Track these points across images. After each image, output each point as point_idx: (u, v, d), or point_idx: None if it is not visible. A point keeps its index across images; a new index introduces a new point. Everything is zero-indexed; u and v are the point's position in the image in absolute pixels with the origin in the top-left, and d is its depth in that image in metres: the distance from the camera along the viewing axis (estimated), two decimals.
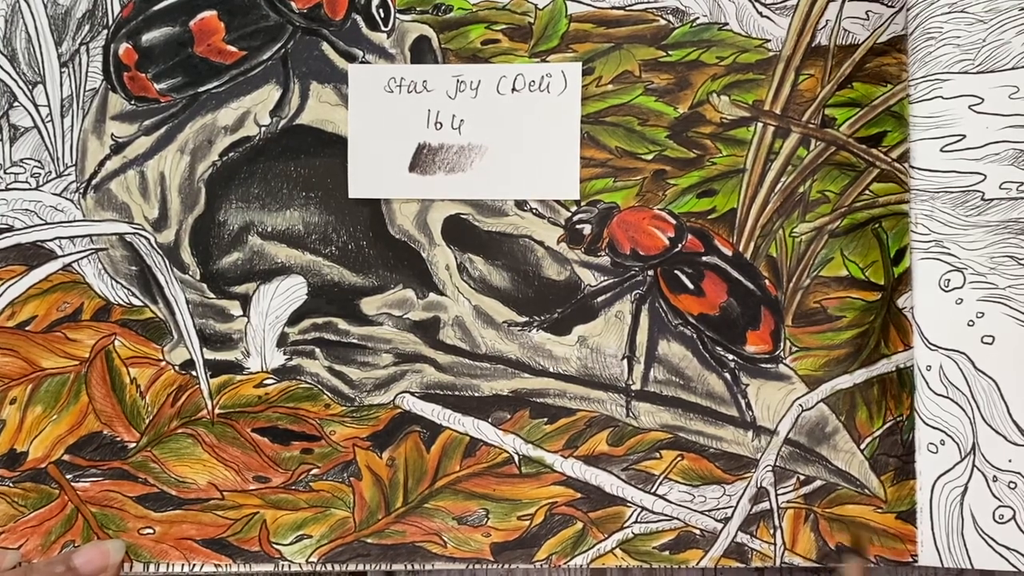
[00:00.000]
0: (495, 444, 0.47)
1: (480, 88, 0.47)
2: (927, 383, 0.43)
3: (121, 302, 0.48)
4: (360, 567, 0.47)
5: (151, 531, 0.47)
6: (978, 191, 0.43)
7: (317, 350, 0.47)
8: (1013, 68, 0.42)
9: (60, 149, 0.48)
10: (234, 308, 0.47)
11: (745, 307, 0.47)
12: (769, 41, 0.47)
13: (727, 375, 0.47)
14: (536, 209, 0.47)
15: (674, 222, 0.47)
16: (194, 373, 0.47)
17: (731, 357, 0.47)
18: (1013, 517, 0.42)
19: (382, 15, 0.47)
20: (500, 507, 0.47)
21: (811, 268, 0.47)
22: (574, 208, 0.47)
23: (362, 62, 0.48)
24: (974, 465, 0.43)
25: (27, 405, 0.47)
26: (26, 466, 0.47)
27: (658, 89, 0.47)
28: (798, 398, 0.46)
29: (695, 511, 0.46)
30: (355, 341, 0.47)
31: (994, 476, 0.43)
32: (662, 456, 0.47)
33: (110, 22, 0.48)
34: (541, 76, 0.47)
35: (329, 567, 0.47)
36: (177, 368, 0.47)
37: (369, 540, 0.47)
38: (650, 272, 0.47)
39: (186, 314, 0.47)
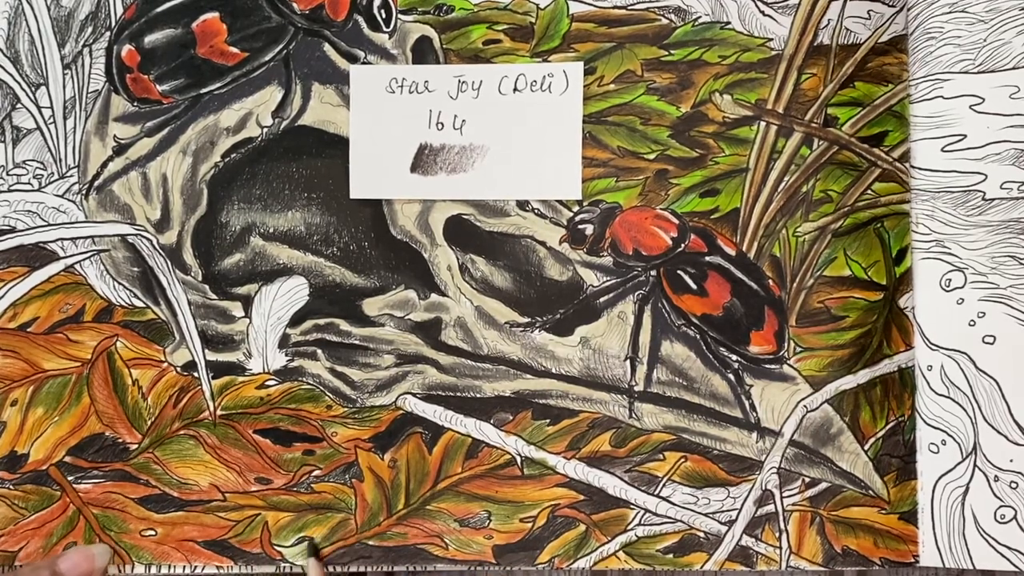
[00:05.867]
0: (497, 446, 0.50)
1: (482, 88, 0.51)
2: (928, 383, 0.47)
3: (123, 303, 0.51)
4: (362, 569, 0.51)
5: (153, 533, 0.50)
6: (979, 191, 0.46)
7: (319, 351, 0.51)
8: (1014, 68, 0.46)
9: (63, 151, 0.52)
10: (236, 309, 0.51)
11: (749, 307, 0.50)
12: (771, 40, 0.50)
13: (731, 376, 0.50)
14: (538, 209, 0.51)
15: (677, 222, 0.51)
16: (196, 374, 0.51)
17: (735, 358, 0.50)
18: (1014, 517, 0.46)
19: (383, 16, 0.51)
20: (502, 509, 0.50)
21: (814, 268, 0.50)
22: (576, 208, 0.51)
23: (364, 63, 0.51)
24: (975, 465, 0.46)
25: (28, 407, 0.51)
26: (27, 468, 0.51)
27: (660, 88, 0.51)
28: (802, 399, 0.50)
29: (699, 513, 0.50)
30: (357, 342, 0.51)
31: (995, 476, 0.46)
32: (665, 458, 0.50)
33: (113, 24, 0.52)
34: (543, 76, 0.51)
35: (331, 568, 0.50)
36: (179, 369, 0.51)
37: (371, 542, 0.50)
38: (653, 272, 0.51)
39: (188, 315, 0.51)
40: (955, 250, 0.46)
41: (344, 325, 0.51)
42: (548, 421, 0.50)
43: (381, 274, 0.51)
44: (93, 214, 0.52)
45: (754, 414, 0.50)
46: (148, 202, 0.52)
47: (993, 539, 0.46)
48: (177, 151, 0.52)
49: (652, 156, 0.51)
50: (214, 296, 0.51)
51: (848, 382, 0.49)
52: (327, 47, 0.52)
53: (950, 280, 0.46)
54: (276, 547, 0.50)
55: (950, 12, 0.46)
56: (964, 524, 0.46)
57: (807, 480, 0.49)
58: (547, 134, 0.51)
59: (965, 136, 0.46)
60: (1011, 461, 0.46)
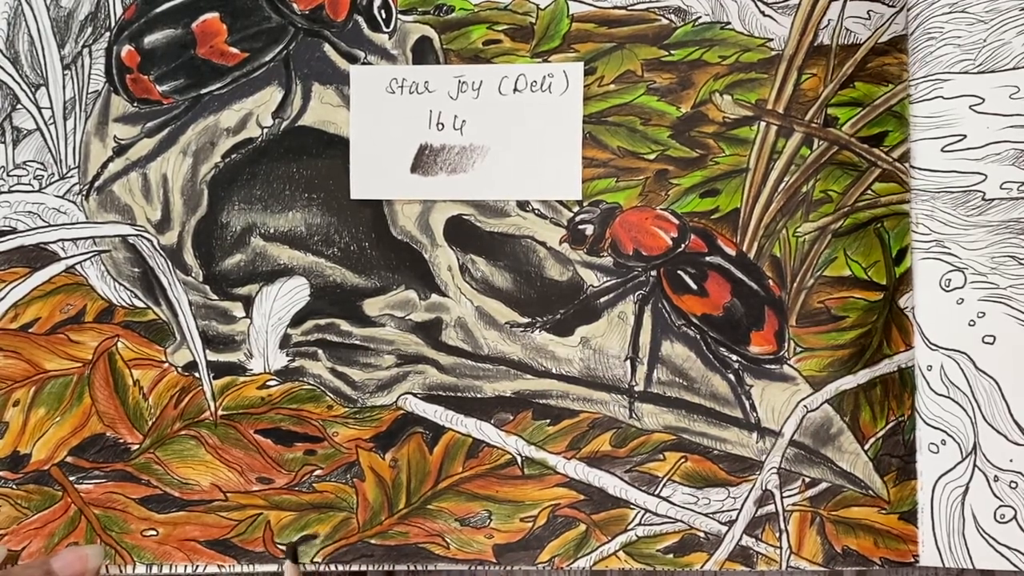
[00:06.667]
0: (498, 445, 0.51)
1: (482, 89, 0.51)
2: (928, 383, 0.47)
3: (124, 304, 0.52)
4: (364, 567, 0.51)
5: (154, 533, 0.51)
6: (979, 191, 0.47)
7: (320, 351, 0.52)
8: (1014, 68, 0.46)
9: (63, 151, 0.52)
10: (237, 310, 0.52)
11: (749, 307, 0.51)
12: (771, 40, 0.51)
13: (731, 376, 0.51)
14: (538, 209, 0.52)
15: (677, 222, 0.51)
16: (197, 375, 0.52)
17: (735, 358, 0.51)
18: (1014, 517, 0.46)
19: (384, 16, 0.52)
20: (503, 509, 0.51)
21: (814, 268, 0.51)
22: (576, 208, 0.51)
23: (364, 63, 0.52)
24: (975, 465, 0.47)
25: (30, 407, 0.51)
26: (29, 468, 0.51)
27: (660, 88, 0.51)
28: (803, 399, 0.50)
29: (699, 513, 0.50)
30: (357, 342, 0.52)
31: (995, 476, 0.46)
32: (665, 458, 0.51)
33: (112, 24, 0.52)
34: (543, 76, 0.51)
35: (333, 567, 0.51)
36: (180, 370, 0.52)
37: (373, 541, 0.51)
38: (653, 272, 0.51)
39: (189, 316, 0.52)
40: (955, 250, 0.47)
41: (345, 325, 0.52)
42: (548, 421, 0.51)
43: (382, 274, 0.52)
44: (93, 215, 0.52)
45: (754, 414, 0.50)
46: (148, 203, 0.52)
47: (993, 539, 0.46)
48: (177, 152, 0.52)
49: (652, 156, 0.51)
50: (215, 296, 0.52)
51: (848, 382, 0.50)
52: (327, 47, 0.52)
53: (950, 280, 0.47)
54: (279, 546, 0.51)
55: (950, 12, 0.47)
56: (964, 524, 0.47)
57: (807, 480, 0.50)
58: (547, 134, 0.51)
59: (965, 136, 0.47)
60: (1011, 461, 0.46)
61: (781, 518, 0.50)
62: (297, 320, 0.52)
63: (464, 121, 0.51)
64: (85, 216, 0.52)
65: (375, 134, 0.52)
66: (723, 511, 0.50)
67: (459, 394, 0.51)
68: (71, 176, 0.52)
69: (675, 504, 0.50)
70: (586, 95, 0.51)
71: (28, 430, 0.51)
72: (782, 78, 0.51)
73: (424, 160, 0.52)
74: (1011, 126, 0.46)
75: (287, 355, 0.52)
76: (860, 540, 0.50)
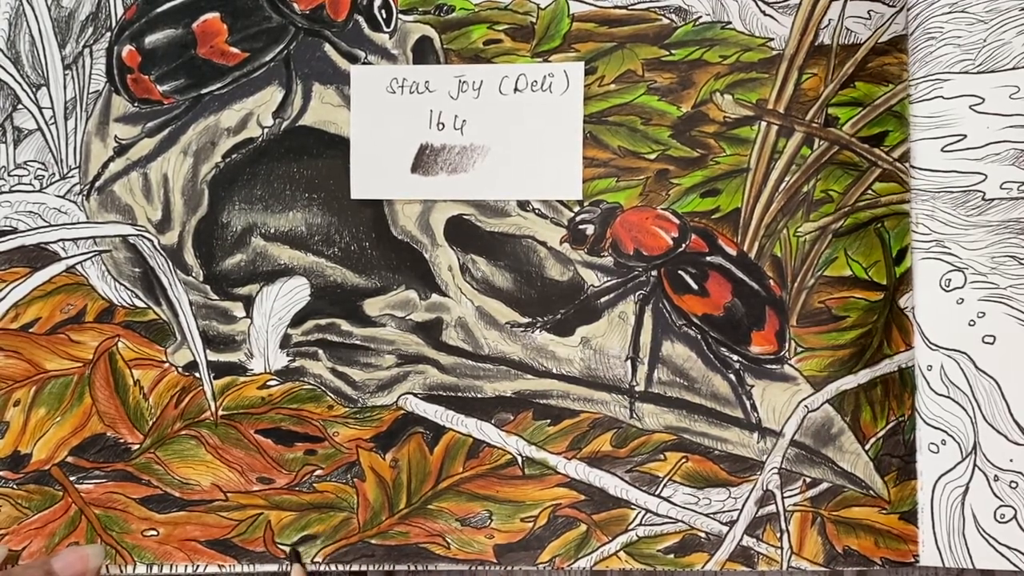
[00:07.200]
0: (498, 446, 0.51)
1: (482, 88, 0.51)
2: (928, 383, 0.47)
3: (124, 304, 0.52)
4: (364, 568, 0.51)
5: (155, 533, 0.51)
6: (979, 191, 0.47)
7: (320, 351, 0.52)
8: (1014, 68, 0.47)
9: (64, 151, 0.53)
10: (237, 310, 0.52)
11: (750, 307, 0.51)
12: (772, 40, 0.51)
13: (732, 376, 0.51)
14: (539, 209, 0.52)
15: (678, 222, 0.51)
16: (197, 375, 0.52)
17: (736, 358, 0.51)
18: (1014, 516, 0.47)
19: (384, 16, 0.52)
20: (503, 509, 0.51)
21: (815, 268, 0.51)
22: (577, 208, 0.52)
23: (364, 63, 0.52)
24: (975, 465, 0.47)
25: (31, 407, 0.52)
26: (30, 468, 0.52)
27: (661, 88, 0.52)
28: (803, 399, 0.51)
29: (700, 514, 0.51)
30: (358, 342, 0.52)
31: (995, 476, 0.47)
32: (666, 458, 0.51)
33: (113, 24, 0.53)
34: (543, 76, 0.51)
35: (334, 567, 0.51)
36: (180, 370, 0.52)
37: (373, 541, 0.51)
38: (654, 272, 0.51)
39: (189, 316, 0.52)
40: (955, 250, 0.47)
41: (345, 325, 0.52)
42: (549, 421, 0.51)
43: (382, 274, 0.52)
44: (94, 215, 0.53)
45: (755, 414, 0.51)
46: (149, 203, 0.53)
47: (993, 539, 0.47)
48: (178, 151, 0.52)
49: (653, 156, 0.51)
50: (215, 296, 0.52)
51: (849, 382, 0.50)
52: (328, 47, 0.52)
53: (950, 280, 0.47)
54: (279, 546, 0.51)
55: (950, 12, 0.47)
56: (964, 524, 0.47)
57: (808, 480, 0.50)
58: (548, 134, 0.51)
59: (965, 136, 0.47)
60: (1011, 461, 0.47)
61: (782, 518, 0.50)
62: (297, 320, 0.52)
63: (464, 121, 0.52)
64: (86, 216, 0.52)
65: (375, 134, 0.52)
66: (724, 511, 0.50)
67: (460, 394, 0.51)
68: (72, 176, 0.53)
69: (676, 504, 0.51)
70: (587, 95, 0.51)
71: (29, 430, 0.52)
72: (783, 78, 0.51)
73: (424, 160, 0.52)
74: (1011, 126, 0.47)
75: (287, 355, 0.52)
76: (861, 540, 0.50)
